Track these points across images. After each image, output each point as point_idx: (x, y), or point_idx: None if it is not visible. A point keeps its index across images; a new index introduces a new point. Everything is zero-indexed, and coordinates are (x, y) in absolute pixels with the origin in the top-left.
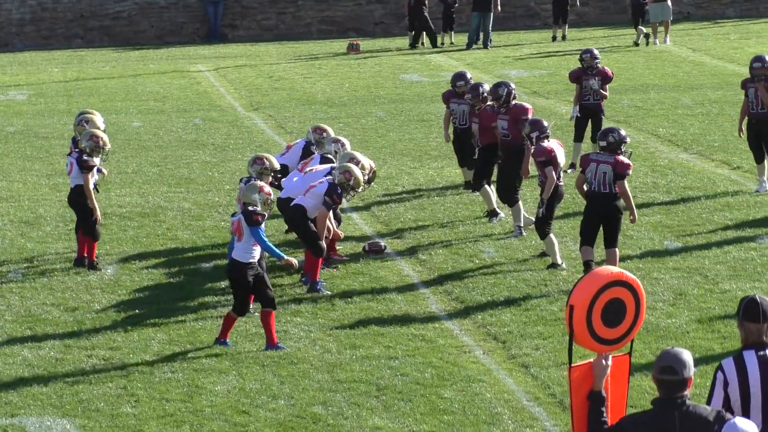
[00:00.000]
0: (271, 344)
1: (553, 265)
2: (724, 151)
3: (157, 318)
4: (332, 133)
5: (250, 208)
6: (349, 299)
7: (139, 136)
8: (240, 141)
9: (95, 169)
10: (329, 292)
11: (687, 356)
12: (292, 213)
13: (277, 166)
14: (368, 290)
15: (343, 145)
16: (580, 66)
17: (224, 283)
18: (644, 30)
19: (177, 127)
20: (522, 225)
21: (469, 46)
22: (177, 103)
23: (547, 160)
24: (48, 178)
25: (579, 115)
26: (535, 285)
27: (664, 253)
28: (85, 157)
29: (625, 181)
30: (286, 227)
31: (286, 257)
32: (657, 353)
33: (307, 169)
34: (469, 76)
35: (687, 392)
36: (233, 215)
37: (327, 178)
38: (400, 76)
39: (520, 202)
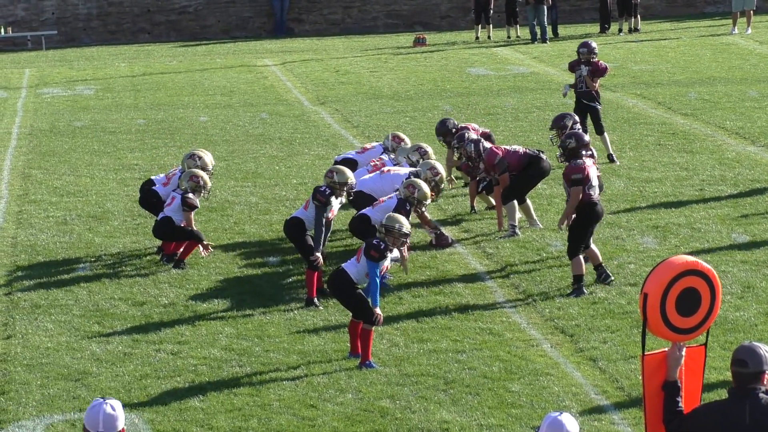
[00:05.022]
0: (365, 360)
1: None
2: None
3: (225, 312)
4: (409, 143)
5: (374, 241)
6: (416, 293)
7: (206, 131)
8: (307, 135)
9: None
10: (391, 285)
11: (763, 350)
12: (355, 222)
13: (351, 181)
14: (435, 284)
15: (425, 153)
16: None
17: (292, 277)
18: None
19: (244, 122)
20: (516, 224)
21: (533, 40)
22: (244, 97)
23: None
24: (115, 173)
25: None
26: None
27: (732, 246)
28: (190, 196)
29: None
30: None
31: (378, 308)
32: (725, 346)
33: (385, 169)
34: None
35: (761, 385)
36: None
37: (395, 193)
38: (467, 69)
39: (515, 202)
